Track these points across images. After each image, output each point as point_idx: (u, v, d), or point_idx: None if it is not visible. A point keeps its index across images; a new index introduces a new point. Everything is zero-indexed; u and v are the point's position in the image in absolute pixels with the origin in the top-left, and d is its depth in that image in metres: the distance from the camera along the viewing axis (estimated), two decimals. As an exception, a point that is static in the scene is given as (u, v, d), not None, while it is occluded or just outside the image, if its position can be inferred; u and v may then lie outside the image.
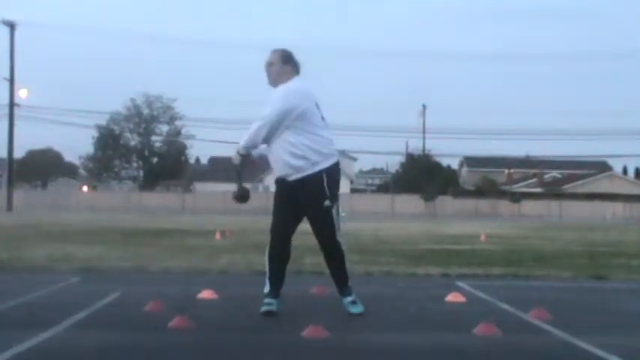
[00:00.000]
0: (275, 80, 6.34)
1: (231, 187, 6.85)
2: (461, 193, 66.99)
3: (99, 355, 4.72)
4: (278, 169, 6.33)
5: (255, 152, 6.48)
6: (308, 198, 6.22)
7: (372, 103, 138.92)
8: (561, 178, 78.72)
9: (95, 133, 70.66)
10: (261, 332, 5.53)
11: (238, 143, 6.38)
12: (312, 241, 6.41)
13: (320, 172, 6.19)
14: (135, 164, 74.09)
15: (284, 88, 6.26)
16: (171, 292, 7.40)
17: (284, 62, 6.35)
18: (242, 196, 6.47)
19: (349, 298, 6.34)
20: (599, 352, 4.92)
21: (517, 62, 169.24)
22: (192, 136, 72.66)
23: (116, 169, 73.38)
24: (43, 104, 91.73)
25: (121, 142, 72.13)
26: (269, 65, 6.38)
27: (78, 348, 4.87)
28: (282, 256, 6.34)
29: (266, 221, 7.10)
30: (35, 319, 5.85)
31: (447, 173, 72.79)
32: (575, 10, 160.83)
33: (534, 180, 77.82)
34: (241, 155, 6.34)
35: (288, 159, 6.19)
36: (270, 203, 6.74)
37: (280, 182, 6.39)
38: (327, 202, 6.20)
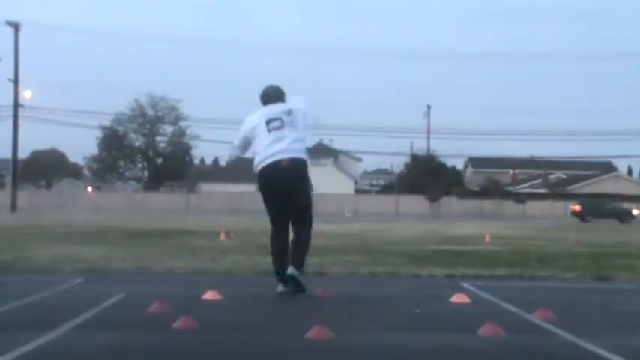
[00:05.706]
0: None
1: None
2: (465, 193, 66.97)
3: (104, 356, 4.73)
4: None
5: None
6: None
7: (377, 103, 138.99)
8: (566, 179, 78.64)
9: (99, 134, 70.91)
10: (265, 333, 5.53)
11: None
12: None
13: None
14: (139, 165, 74.27)
15: None
16: (176, 293, 7.41)
17: None
18: None
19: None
20: (604, 353, 4.91)
21: (522, 62, 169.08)
22: (196, 137, 72.88)
23: (120, 170, 73.58)
24: (47, 105, 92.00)
25: (126, 142, 72.33)
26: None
27: (83, 349, 4.87)
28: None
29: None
30: (40, 319, 5.86)
31: (451, 174, 72.68)
32: (579, 10, 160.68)
33: (539, 181, 77.76)
34: None
35: None
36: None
37: None
38: None
